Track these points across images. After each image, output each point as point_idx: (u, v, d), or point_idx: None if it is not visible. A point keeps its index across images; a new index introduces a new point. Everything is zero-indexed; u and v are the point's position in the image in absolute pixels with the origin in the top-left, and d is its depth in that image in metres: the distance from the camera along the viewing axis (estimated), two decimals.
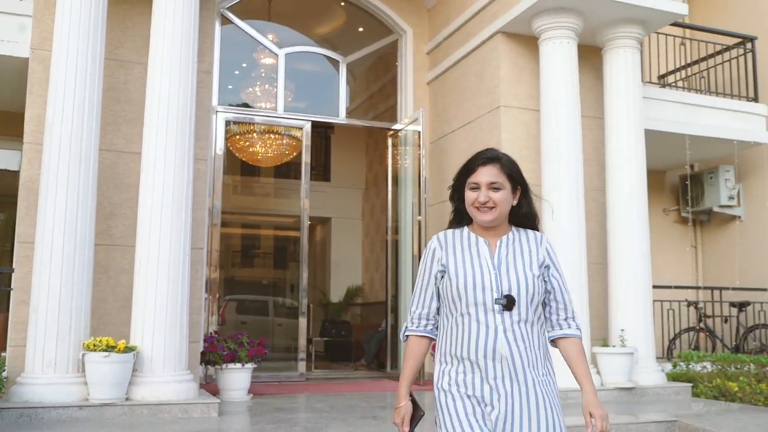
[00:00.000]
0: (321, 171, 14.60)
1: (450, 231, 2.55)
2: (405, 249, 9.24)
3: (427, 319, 2.53)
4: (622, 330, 7.26)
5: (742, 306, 9.73)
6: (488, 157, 2.47)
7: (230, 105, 9.38)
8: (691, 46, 10.30)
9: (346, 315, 14.21)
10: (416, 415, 2.50)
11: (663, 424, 5.72)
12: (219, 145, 8.54)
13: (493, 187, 2.42)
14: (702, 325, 9.67)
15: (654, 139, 8.79)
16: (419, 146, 8.89)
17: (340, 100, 9.66)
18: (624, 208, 7.54)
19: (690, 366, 7.92)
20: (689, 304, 9.71)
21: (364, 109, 10.87)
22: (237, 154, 11.46)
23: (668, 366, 8.21)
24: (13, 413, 5.17)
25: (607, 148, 7.80)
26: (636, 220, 7.54)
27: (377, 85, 10.70)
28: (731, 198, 10.40)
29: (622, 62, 7.75)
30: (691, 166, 10.67)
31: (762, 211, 9.69)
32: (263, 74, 9.79)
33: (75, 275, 5.58)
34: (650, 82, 9.72)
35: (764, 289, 9.63)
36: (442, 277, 2.47)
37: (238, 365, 6.77)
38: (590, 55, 8.10)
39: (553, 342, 2.49)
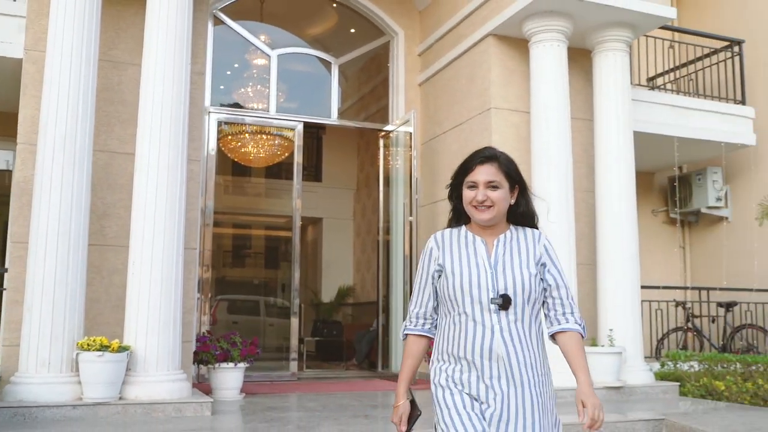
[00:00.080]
0: (312, 171, 14.65)
1: (448, 230, 2.55)
2: (396, 249, 9.31)
3: (425, 318, 2.53)
4: (611, 330, 7.35)
5: (729, 306, 9.85)
6: (486, 155, 2.47)
7: (221, 105, 9.42)
8: (679, 49, 10.41)
9: (338, 315, 14.26)
10: (413, 414, 2.50)
11: (651, 422, 5.79)
12: (211, 145, 8.57)
13: (491, 185, 2.42)
14: (690, 324, 9.77)
15: (643, 140, 8.90)
16: (411, 147, 8.95)
17: (332, 101, 9.72)
18: (613, 209, 7.63)
19: (677, 365, 8.01)
20: (677, 304, 9.82)
21: (355, 110, 10.92)
22: (229, 155, 11.50)
23: (656, 365, 8.30)
24: (7, 412, 5.20)
25: (596, 150, 7.88)
26: (625, 221, 7.62)
27: (369, 86, 10.75)
28: (719, 199, 10.52)
29: (611, 65, 7.84)
30: (680, 168, 10.79)
31: (749, 212, 9.80)
32: (255, 75, 9.83)
33: (69, 275, 5.61)
34: (639, 85, 9.83)
35: (751, 290, 9.75)
36: (440, 276, 2.47)
37: (231, 365, 6.81)
38: (580, 58, 8.18)
39: (553, 338, 2.47)
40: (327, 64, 9.86)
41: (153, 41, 6.14)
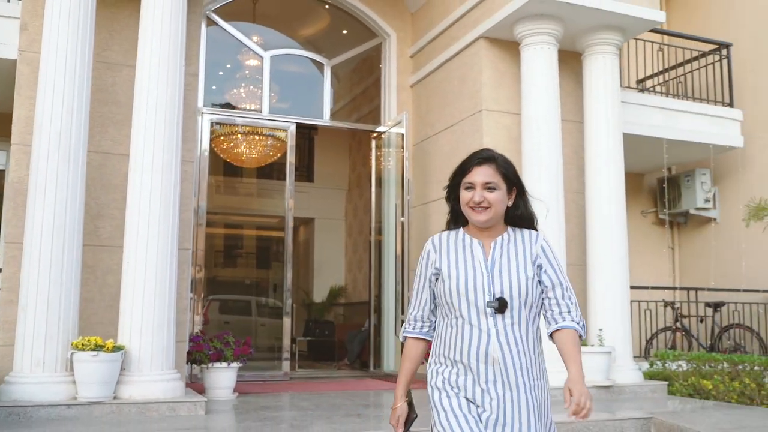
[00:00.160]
0: (304, 172, 14.70)
1: (445, 233, 2.54)
2: (388, 250, 9.37)
3: (423, 321, 2.54)
4: (600, 329, 7.43)
5: (717, 306, 9.96)
6: (484, 157, 2.46)
7: (213, 105, 9.46)
8: (668, 51, 10.52)
9: (329, 315, 14.31)
10: (410, 417, 2.52)
11: (639, 420, 5.86)
12: (204, 146, 8.61)
13: (488, 187, 2.40)
14: (678, 324, 9.88)
15: (632, 142, 9.00)
16: (403, 148, 9.02)
17: (325, 102, 9.77)
18: (603, 212, 7.71)
19: (666, 365, 8.11)
20: (666, 304, 9.92)
21: (347, 110, 10.98)
22: (221, 155, 11.54)
23: (645, 365, 8.40)
24: (2, 412, 5.22)
25: (586, 152, 7.97)
26: (614, 223, 7.71)
27: (361, 88, 10.81)
28: (707, 200, 10.64)
29: (601, 67, 7.92)
30: (669, 169, 10.90)
31: (737, 213, 9.91)
32: (248, 76, 9.87)
33: (63, 275, 5.64)
34: (629, 87, 9.93)
35: (738, 290, 9.86)
36: (437, 280, 2.46)
37: (224, 364, 6.86)
38: (570, 61, 8.26)
39: (551, 338, 2.44)
40: (319, 66, 9.91)
41: (147, 43, 6.18)
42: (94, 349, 5.48)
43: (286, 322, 9.09)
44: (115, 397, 5.63)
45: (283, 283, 9.34)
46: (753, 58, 10.34)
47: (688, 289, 10.40)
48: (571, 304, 2.43)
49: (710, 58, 10.39)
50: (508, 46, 8.04)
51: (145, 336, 5.78)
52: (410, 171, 9.04)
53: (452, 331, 2.39)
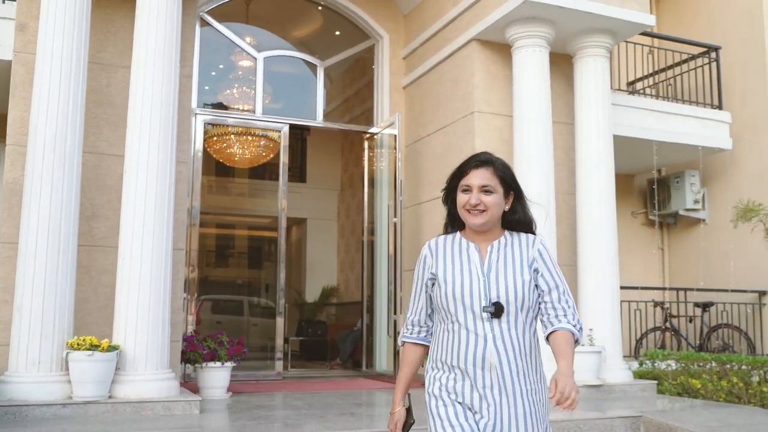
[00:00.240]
0: (297, 172, 14.73)
1: (442, 237, 2.52)
2: (381, 250, 9.43)
3: (420, 326, 2.54)
4: (591, 329, 7.51)
5: (705, 306, 10.07)
6: (481, 160, 2.44)
7: (206, 105, 9.49)
8: (658, 54, 10.63)
9: (321, 315, 14.36)
10: (407, 422, 2.52)
11: (629, 419, 5.94)
12: (197, 146, 8.64)
13: (485, 190, 2.39)
14: (668, 324, 9.98)
15: (623, 144, 9.09)
16: (395, 149, 9.07)
17: (318, 103, 9.81)
18: (593, 214, 7.79)
19: (655, 364, 8.20)
20: (656, 304, 10.02)
21: (340, 111, 11.03)
22: (214, 155, 11.57)
23: (635, 364, 8.49)
24: None
25: (577, 153, 8.04)
26: (605, 224, 7.78)
27: (353, 89, 10.86)
28: (696, 202, 10.75)
29: (591, 70, 8.00)
30: (659, 171, 11.00)
31: (725, 214, 10.02)
32: (241, 76, 9.91)
33: (59, 275, 5.68)
34: (619, 89, 10.02)
35: (727, 290, 9.98)
36: (433, 284, 2.45)
37: (218, 364, 6.90)
38: (562, 63, 8.34)
39: (548, 341, 2.41)
40: (312, 67, 9.96)
41: (143, 44, 6.21)
42: (89, 349, 5.52)
43: (279, 322, 9.13)
44: (110, 397, 5.67)
45: (275, 283, 9.38)
46: (741, 61, 10.45)
47: (677, 290, 10.51)
48: (568, 307, 2.41)
49: (699, 61, 10.51)
50: (500, 48, 8.11)
51: (140, 336, 5.82)
52: (403, 172, 9.10)
53: (449, 336, 2.38)
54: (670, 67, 10.70)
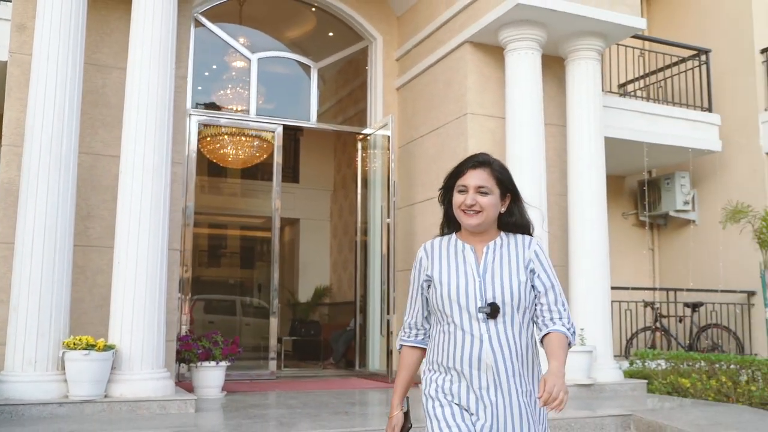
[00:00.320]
0: (290, 172, 14.75)
1: (438, 239, 2.52)
2: (374, 250, 9.48)
3: (418, 329, 2.54)
4: (582, 329, 7.58)
5: (695, 306, 10.18)
6: (479, 160, 2.44)
7: (198, 105, 9.51)
8: (649, 57, 10.73)
9: (314, 315, 14.39)
10: (405, 426, 2.51)
11: (619, 418, 6.02)
12: (192, 147, 8.67)
13: (481, 191, 2.38)
14: (658, 324, 10.07)
15: (614, 146, 9.18)
16: (389, 150, 9.13)
17: (311, 104, 9.86)
18: (585, 215, 7.86)
19: (645, 363, 8.28)
20: (646, 304, 10.12)
21: (333, 112, 11.07)
22: (207, 156, 11.59)
23: (625, 364, 8.57)
24: None
25: (569, 155, 8.12)
26: (596, 224, 7.86)
27: (347, 90, 10.91)
28: (686, 203, 10.86)
29: (583, 73, 8.08)
30: (649, 172, 11.11)
31: (714, 215, 10.13)
32: (235, 77, 9.95)
33: (55, 275, 5.72)
34: (611, 92, 10.11)
35: (716, 290, 10.08)
36: (429, 286, 2.46)
37: (213, 363, 6.94)
38: (554, 65, 8.41)
39: (541, 343, 2.40)
40: (306, 68, 10.00)
41: (138, 45, 6.25)
42: (85, 348, 5.56)
43: (273, 321, 9.17)
44: (106, 396, 5.71)
45: (268, 284, 9.42)
46: (731, 63, 10.56)
47: (667, 290, 10.63)
48: (563, 310, 2.41)
49: (689, 64, 10.62)
50: (493, 50, 8.18)
51: (136, 335, 5.86)
52: (396, 173, 9.16)
53: (445, 338, 2.38)
54: (661, 69, 10.81)
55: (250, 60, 9.51)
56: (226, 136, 11.03)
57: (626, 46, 10.05)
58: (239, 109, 9.79)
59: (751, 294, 10.13)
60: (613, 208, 9.72)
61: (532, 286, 2.40)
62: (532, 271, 2.41)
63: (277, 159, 9.40)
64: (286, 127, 9.72)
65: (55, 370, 5.67)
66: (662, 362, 8.17)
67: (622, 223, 11.35)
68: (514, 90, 7.77)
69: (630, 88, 11.01)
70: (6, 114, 6.38)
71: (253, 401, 6.80)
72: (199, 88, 9.76)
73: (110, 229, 6.29)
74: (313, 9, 9.91)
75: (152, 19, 6.28)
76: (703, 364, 7.68)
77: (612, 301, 8.17)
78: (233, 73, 9.95)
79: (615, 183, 10.88)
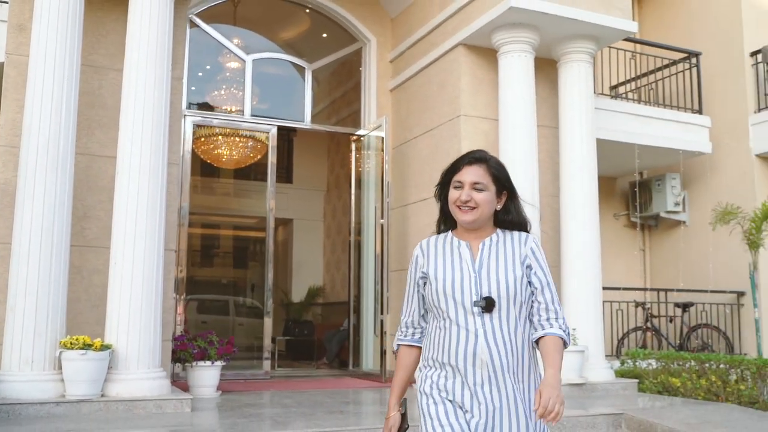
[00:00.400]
0: (283, 173, 14.77)
1: (434, 237, 2.52)
2: (368, 250, 9.54)
3: (414, 328, 2.53)
4: (574, 329, 7.64)
5: (685, 307, 10.27)
6: (476, 157, 2.43)
7: (191, 105, 9.55)
8: (640, 59, 10.82)
9: (307, 315, 14.43)
10: (402, 427, 2.48)
11: (611, 416, 6.09)
12: (187, 147, 8.71)
13: (477, 187, 2.37)
14: (649, 324, 10.17)
15: (606, 147, 9.26)
16: (382, 151, 9.19)
17: (306, 105, 9.90)
18: (577, 216, 7.95)
19: (636, 363, 8.37)
20: (637, 304, 10.21)
21: (327, 113, 11.12)
22: (201, 156, 11.61)
23: (617, 363, 8.66)
24: None
25: (561, 157, 8.20)
26: (588, 226, 7.94)
27: (341, 91, 10.96)
28: (677, 204, 10.96)
29: (575, 75, 8.16)
30: (640, 174, 11.21)
31: (705, 216, 10.23)
32: (229, 78, 9.98)
33: (52, 275, 5.75)
34: (602, 94, 10.20)
35: (706, 291, 10.19)
36: (425, 284, 2.45)
37: (208, 363, 6.99)
38: (546, 68, 8.49)
39: (537, 344, 2.38)
40: (300, 69, 10.05)
41: (135, 46, 6.29)
42: (82, 348, 5.59)
43: (267, 321, 9.21)
44: (102, 395, 5.75)
45: (262, 283, 9.45)
46: (721, 66, 10.67)
47: (658, 290, 10.73)
48: (559, 310, 2.40)
49: (680, 66, 10.72)
50: (486, 53, 8.25)
51: (132, 335, 5.90)
52: (390, 174, 9.22)
53: (441, 333, 2.37)
54: (652, 72, 10.91)
55: (244, 61, 9.56)
56: (220, 137, 11.06)
57: (618, 49, 10.14)
58: (233, 109, 9.83)
59: (740, 294, 10.24)
60: (604, 209, 9.81)
61: (529, 282, 2.38)
62: (529, 267, 2.39)
63: (272, 159, 9.45)
64: (280, 128, 9.77)
65: (52, 369, 5.70)
66: (653, 362, 8.25)
67: (613, 224, 11.45)
68: (507, 92, 7.84)
69: (621, 90, 11.11)
70: (3, 115, 6.41)
71: (248, 401, 6.84)
72: (194, 88, 9.80)
73: (107, 229, 6.33)
74: (308, 10, 9.96)
75: (148, 20, 6.32)
76: (693, 363, 7.77)
77: (603, 302, 8.25)
78: (228, 74, 9.99)
79: (607, 184, 10.98)
